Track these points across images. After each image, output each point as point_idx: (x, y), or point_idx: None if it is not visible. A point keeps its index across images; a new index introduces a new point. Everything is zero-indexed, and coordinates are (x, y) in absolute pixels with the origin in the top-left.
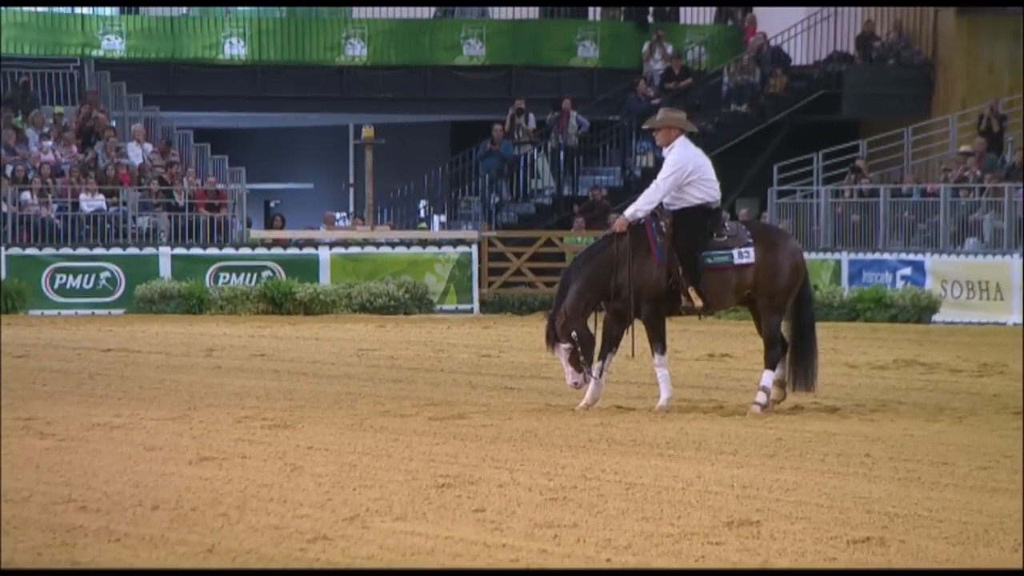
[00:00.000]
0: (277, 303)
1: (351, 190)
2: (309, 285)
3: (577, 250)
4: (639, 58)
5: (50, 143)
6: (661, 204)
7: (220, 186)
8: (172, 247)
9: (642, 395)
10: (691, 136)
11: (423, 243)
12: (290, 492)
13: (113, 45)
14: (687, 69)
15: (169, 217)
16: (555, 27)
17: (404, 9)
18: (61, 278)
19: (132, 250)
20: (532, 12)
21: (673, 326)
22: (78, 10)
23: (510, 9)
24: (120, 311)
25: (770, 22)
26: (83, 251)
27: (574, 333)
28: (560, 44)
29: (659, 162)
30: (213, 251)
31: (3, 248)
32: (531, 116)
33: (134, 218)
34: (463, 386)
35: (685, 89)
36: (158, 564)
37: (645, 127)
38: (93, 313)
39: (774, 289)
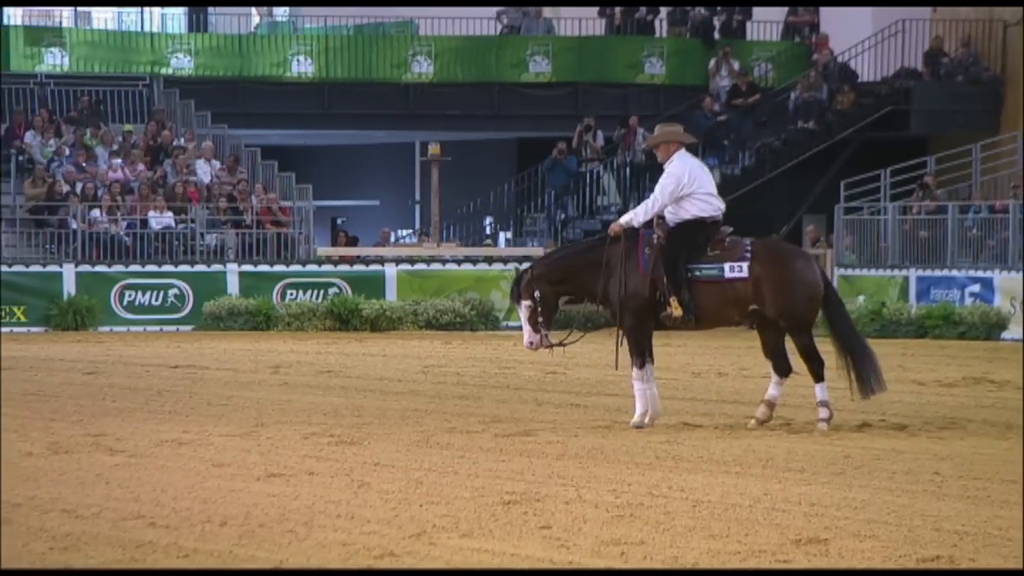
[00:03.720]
0: (344, 320)
1: (417, 207)
2: (375, 302)
3: None
4: (705, 75)
5: (119, 161)
6: (661, 217)
7: (287, 203)
8: (240, 264)
9: (709, 412)
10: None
11: (489, 260)
12: (357, 508)
13: (182, 63)
14: (754, 85)
15: (237, 234)
16: (622, 44)
17: (470, 26)
18: (130, 295)
19: (200, 267)
20: (599, 29)
21: (739, 342)
22: (147, 28)
23: (577, 26)
24: (188, 328)
25: (837, 39)
26: (152, 268)
27: (537, 293)
28: (627, 61)
29: (725, 178)
30: (280, 268)
31: (73, 265)
32: (599, 133)
33: (202, 235)
34: (529, 403)
35: (752, 105)
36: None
37: (644, 146)
38: (161, 330)
39: (782, 307)
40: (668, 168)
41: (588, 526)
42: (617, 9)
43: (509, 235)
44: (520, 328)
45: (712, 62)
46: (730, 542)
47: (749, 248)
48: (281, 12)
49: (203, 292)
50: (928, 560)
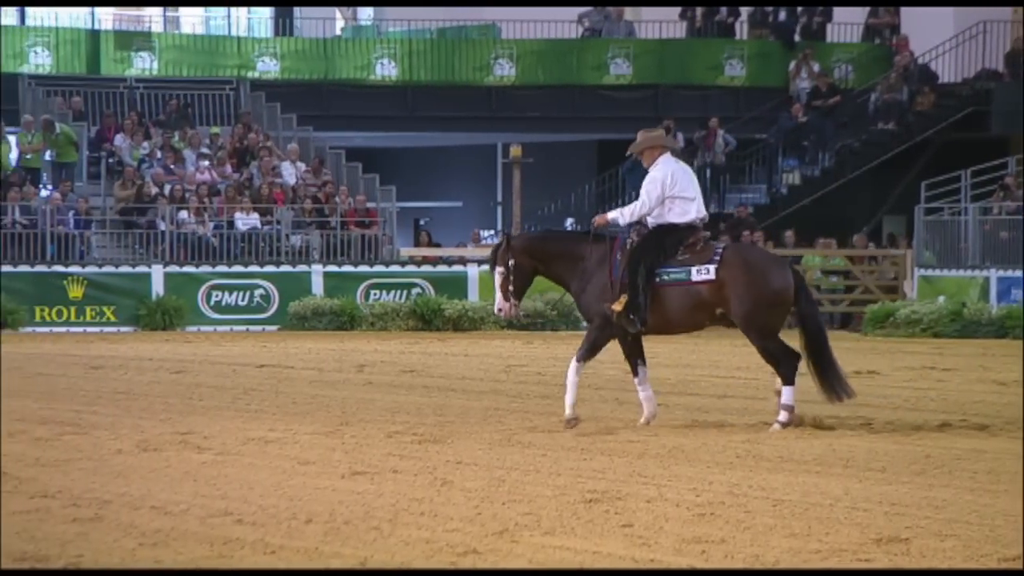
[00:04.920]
0: (427, 320)
1: (499, 208)
2: (458, 302)
3: None
4: (786, 76)
5: (207, 163)
6: (642, 220)
7: (371, 204)
8: (324, 264)
9: None
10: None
11: None
12: (440, 506)
13: (268, 66)
14: (834, 87)
15: (321, 235)
16: (702, 46)
17: (552, 30)
18: (217, 295)
19: (285, 268)
20: (679, 31)
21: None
22: (234, 32)
23: (657, 28)
24: (274, 328)
25: (918, 40)
26: (238, 269)
27: (512, 262)
28: (707, 63)
29: (805, 179)
30: (364, 268)
31: (161, 266)
32: (679, 134)
33: (287, 236)
34: (610, 402)
35: (832, 107)
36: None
37: (627, 153)
38: (248, 329)
39: (745, 312)
40: (651, 173)
41: (669, 524)
42: (698, 11)
43: None
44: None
45: (792, 64)
46: (811, 541)
47: (719, 252)
48: (365, 16)
49: (288, 292)
50: (1010, 560)
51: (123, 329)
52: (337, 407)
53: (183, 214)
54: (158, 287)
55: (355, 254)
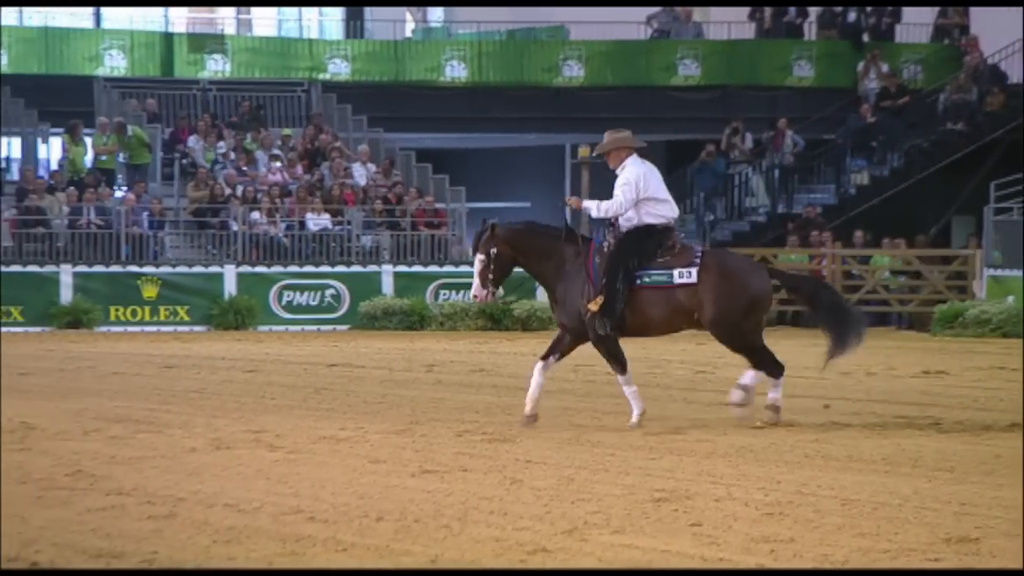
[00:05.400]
0: (496, 320)
1: (567, 208)
2: (527, 302)
3: (794, 268)
4: (854, 77)
5: (278, 164)
6: (614, 224)
7: (440, 205)
8: (394, 264)
9: (858, 411)
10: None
11: None
12: (510, 505)
13: (339, 68)
14: (903, 87)
15: (392, 235)
16: (771, 47)
17: (621, 31)
18: (288, 295)
19: (356, 268)
20: (748, 32)
21: (889, 342)
22: (306, 34)
23: (726, 30)
24: (344, 327)
25: (987, 40)
26: (309, 269)
27: (494, 251)
28: (776, 64)
29: (874, 180)
30: (434, 268)
31: (234, 266)
32: (747, 135)
33: (358, 236)
34: (679, 401)
35: (901, 107)
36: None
37: (593, 154)
38: (319, 329)
39: (714, 316)
40: (622, 175)
41: (738, 523)
42: (767, 12)
43: None
44: None
45: (861, 64)
46: (880, 540)
47: (699, 254)
48: (435, 18)
49: (359, 292)
50: None
51: (196, 328)
52: (407, 406)
53: (255, 215)
54: (230, 287)
55: (425, 254)
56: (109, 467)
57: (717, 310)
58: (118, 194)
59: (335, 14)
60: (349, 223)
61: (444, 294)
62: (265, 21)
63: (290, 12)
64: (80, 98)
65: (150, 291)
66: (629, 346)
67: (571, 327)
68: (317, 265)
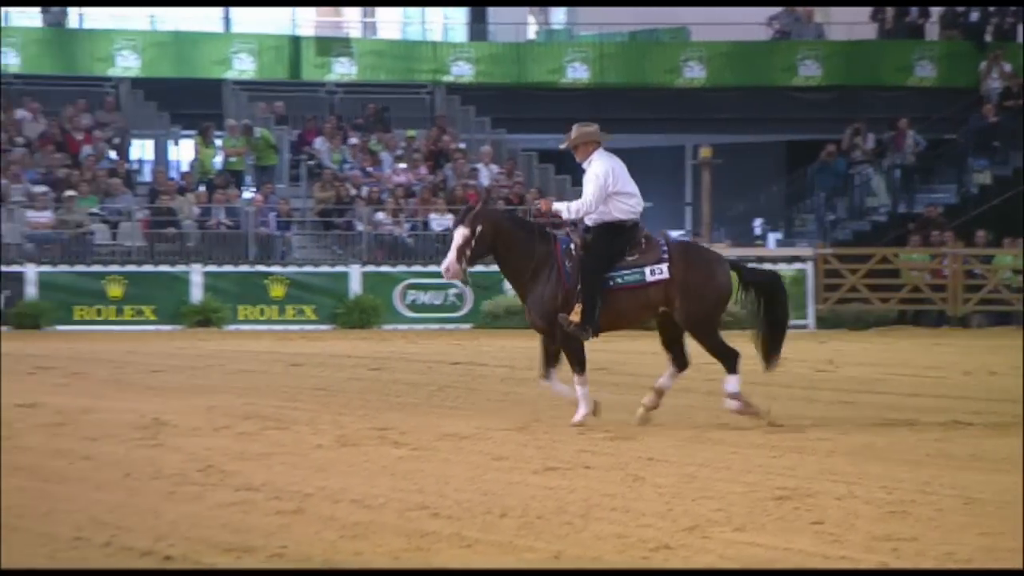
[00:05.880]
0: None
1: (688, 208)
2: None
3: (912, 267)
4: (976, 77)
5: (403, 165)
6: (576, 223)
7: None
8: None
9: (979, 410)
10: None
11: (759, 260)
12: (632, 502)
13: (463, 71)
14: None
15: None
16: (892, 48)
17: (742, 32)
18: (412, 294)
19: (479, 267)
20: (869, 33)
21: (1011, 341)
22: (430, 37)
23: (847, 30)
24: (467, 326)
25: None
26: (433, 268)
27: (479, 229)
28: (897, 64)
29: (996, 179)
30: None
31: (359, 265)
32: (869, 135)
33: None
34: (799, 400)
35: None
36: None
37: (560, 147)
38: (442, 328)
39: (689, 312)
40: (591, 170)
41: (860, 522)
42: (888, 12)
43: (779, 236)
44: None
45: (983, 64)
46: (1005, 539)
47: (666, 248)
48: (557, 20)
49: (481, 292)
50: None
51: (322, 327)
52: (529, 404)
53: (380, 215)
54: (356, 286)
55: None
56: (238, 463)
57: (692, 308)
58: (246, 195)
59: (459, 17)
60: None
61: None
62: (390, 24)
63: (414, 15)
64: (210, 101)
65: (277, 290)
66: (747, 344)
67: (544, 328)
68: (440, 264)
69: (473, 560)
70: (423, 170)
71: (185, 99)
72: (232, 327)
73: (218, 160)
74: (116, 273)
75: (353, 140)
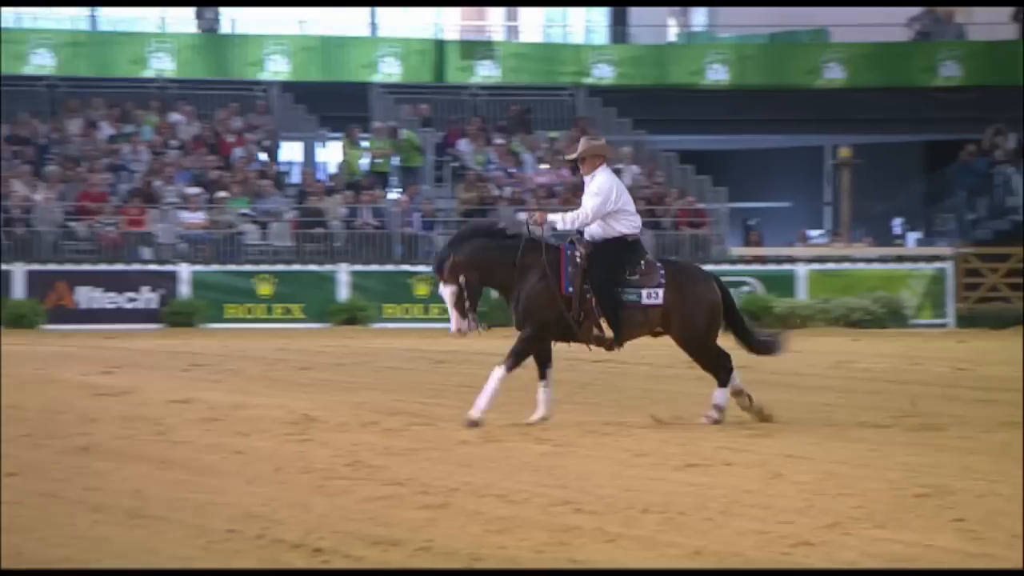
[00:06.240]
0: (756, 317)
1: (828, 208)
2: (787, 300)
3: None
4: None
5: (545, 166)
6: (581, 233)
7: (702, 205)
8: None
9: None
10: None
11: (898, 259)
12: (772, 498)
13: (604, 72)
14: None
15: (654, 235)
16: None
17: (882, 33)
18: None
19: None
20: (1010, 33)
21: None
22: (572, 39)
23: (987, 30)
24: None
25: None
26: None
27: (462, 279)
28: None
29: None
30: None
31: None
32: (1010, 135)
33: None
34: (939, 398)
35: None
36: (646, 565)
37: (568, 158)
38: None
39: (685, 333)
40: (593, 185)
41: (1003, 519)
42: None
43: (919, 235)
44: (921, 326)
45: None
46: None
47: (663, 273)
48: (698, 22)
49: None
50: None
51: None
52: (670, 401)
53: (522, 215)
54: None
55: (686, 253)
56: (385, 458)
57: (686, 331)
58: (392, 196)
59: (600, 20)
60: None
61: None
62: (532, 27)
63: (557, 18)
64: (357, 104)
65: (422, 289)
66: (886, 343)
67: (518, 324)
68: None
69: (616, 555)
70: (564, 171)
71: (333, 102)
72: (378, 325)
73: (364, 162)
74: (266, 272)
75: (496, 141)
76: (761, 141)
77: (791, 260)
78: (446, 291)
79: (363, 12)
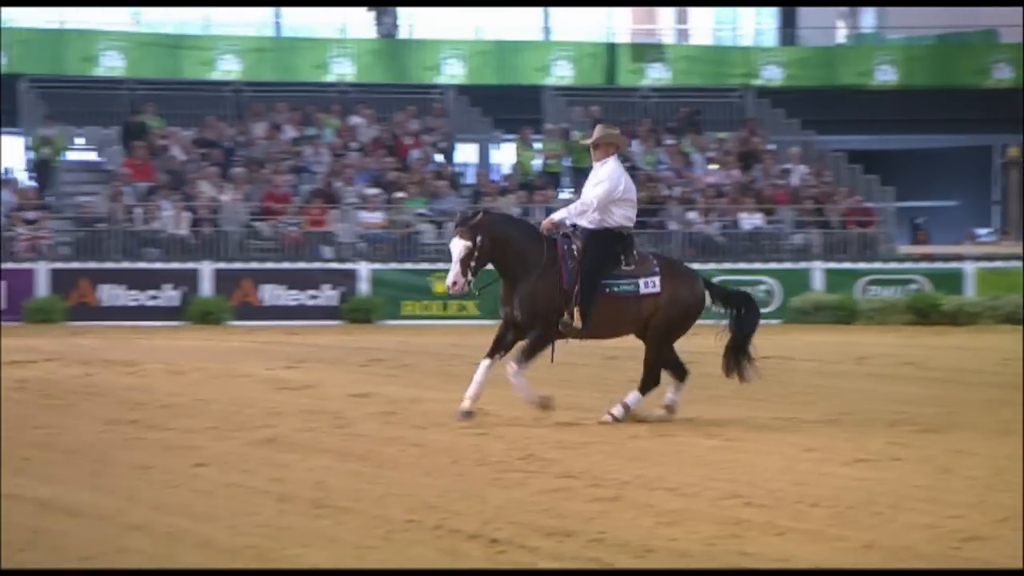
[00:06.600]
0: (923, 314)
1: (996, 207)
2: (955, 297)
3: None
4: None
5: (714, 166)
6: (575, 226)
7: (870, 204)
8: (825, 261)
9: None
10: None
11: None
12: (942, 493)
13: (772, 74)
14: None
15: (822, 233)
16: None
17: None
18: None
19: (787, 264)
20: None
21: None
22: (741, 42)
23: None
24: (776, 321)
25: None
26: (742, 265)
27: (479, 239)
28: None
29: None
30: (863, 265)
31: None
32: None
33: (790, 235)
34: None
35: None
36: (818, 559)
37: (583, 142)
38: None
39: (667, 326)
40: (603, 172)
41: None
42: None
43: None
44: None
45: None
46: None
47: (656, 263)
48: (866, 24)
49: (790, 288)
50: None
51: None
52: (838, 397)
53: (691, 214)
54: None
55: (854, 251)
56: (558, 451)
57: (670, 319)
58: (564, 195)
59: (769, 23)
60: (781, 222)
61: (873, 290)
62: (702, 30)
63: (726, 21)
64: (530, 106)
65: None
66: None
67: (523, 323)
68: (750, 262)
69: (786, 548)
70: (734, 171)
71: (507, 105)
72: None
73: (537, 163)
74: (442, 270)
75: (666, 142)
76: (929, 141)
77: (959, 258)
78: (459, 244)
79: (536, 17)
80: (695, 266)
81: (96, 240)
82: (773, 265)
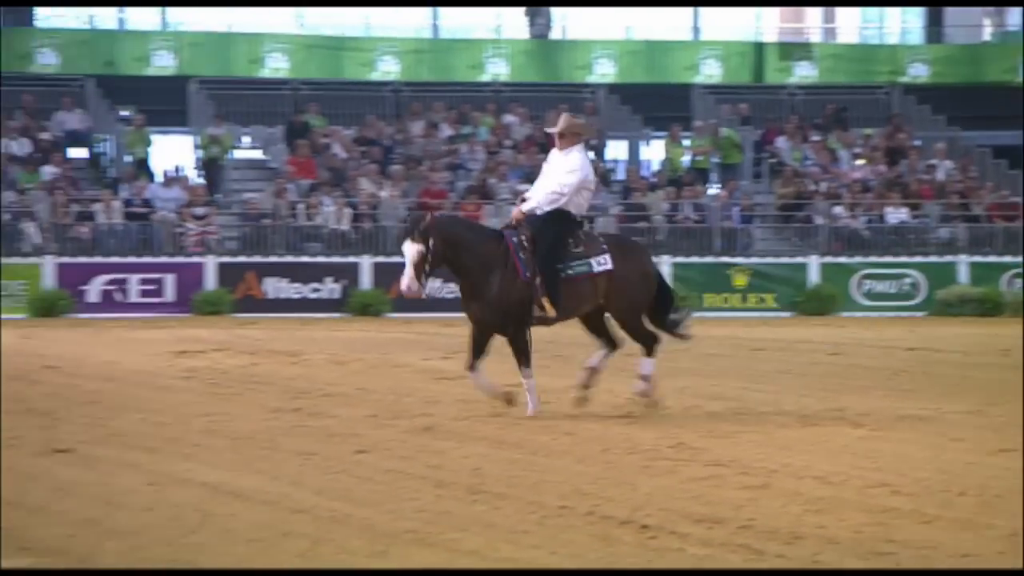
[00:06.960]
0: None
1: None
2: None
3: None
4: None
5: (860, 162)
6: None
7: (1015, 199)
8: (970, 255)
9: None
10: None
11: None
12: None
13: (919, 71)
14: None
15: (967, 227)
16: None
17: None
18: (868, 284)
19: (933, 258)
20: None
21: None
22: (887, 40)
23: None
24: (921, 314)
25: None
26: (888, 259)
27: (432, 242)
28: None
29: None
30: (1008, 258)
31: (817, 256)
32: None
33: (935, 229)
34: None
35: None
36: (965, 547)
37: (548, 131)
38: (897, 315)
39: (627, 303)
40: (571, 161)
41: None
42: None
43: None
44: None
45: None
46: None
47: (603, 242)
48: (1013, 22)
49: (935, 281)
50: None
51: (782, 314)
52: (983, 388)
53: (837, 209)
54: (814, 276)
55: (999, 244)
56: (707, 440)
57: (628, 296)
58: (711, 191)
59: (915, 21)
60: (927, 216)
61: (1018, 283)
62: (849, 29)
63: (872, 19)
64: (679, 104)
65: (740, 280)
66: None
67: (487, 320)
68: (896, 255)
69: (934, 536)
70: (880, 166)
71: (656, 103)
72: (698, 314)
73: (686, 159)
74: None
75: (813, 139)
76: None
77: None
78: (412, 248)
79: (686, 17)
80: (841, 260)
81: (261, 235)
82: (919, 259)
